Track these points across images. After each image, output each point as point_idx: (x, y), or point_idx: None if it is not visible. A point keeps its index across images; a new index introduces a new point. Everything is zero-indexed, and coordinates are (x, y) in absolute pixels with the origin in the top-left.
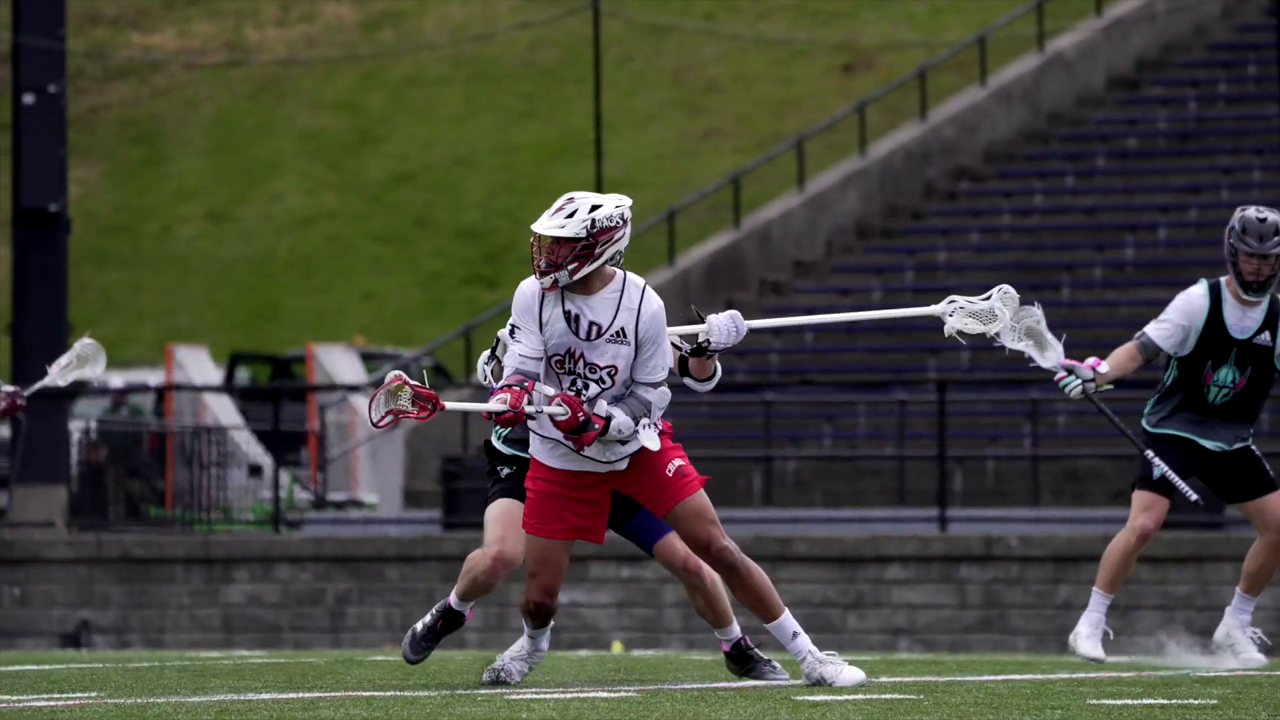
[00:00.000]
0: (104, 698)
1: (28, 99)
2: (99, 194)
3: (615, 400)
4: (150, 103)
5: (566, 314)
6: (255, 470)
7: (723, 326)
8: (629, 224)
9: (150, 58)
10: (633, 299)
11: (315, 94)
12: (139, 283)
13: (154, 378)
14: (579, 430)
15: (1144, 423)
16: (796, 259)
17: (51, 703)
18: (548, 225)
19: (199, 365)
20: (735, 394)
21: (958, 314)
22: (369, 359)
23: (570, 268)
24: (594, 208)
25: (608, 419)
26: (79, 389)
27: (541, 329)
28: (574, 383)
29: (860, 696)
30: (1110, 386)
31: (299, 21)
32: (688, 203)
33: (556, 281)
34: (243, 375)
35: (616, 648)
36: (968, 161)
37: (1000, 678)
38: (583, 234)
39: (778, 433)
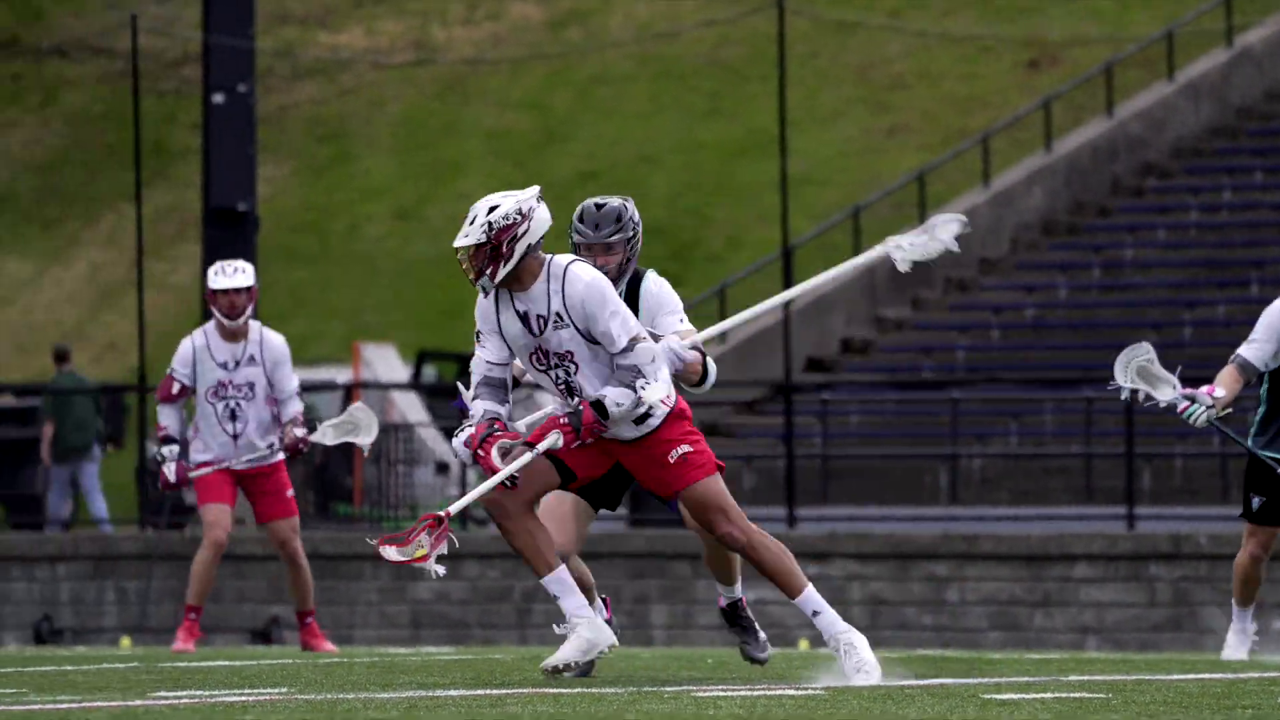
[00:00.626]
0: (294, 693)
1: (217, 99)
2: (287, 192)
3: (610, 385)
4: (338, 102)
5: (520, 315)
6: (442, 468)
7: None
8: (531, 215)
9: (338, 57)
10: (557, 281)
11: (501, 93)
12: (327, 280)
13: (341, 375)
14: (581, 433)
15: (1250, 443)
16: (982, 256)
17: (243, 698)
18: (458, 239)
19: (386, 363)
20: (921, 392)
21: (901, 256)
22: None
23: (488, 272)
24: (491, 209)
25: (597, 403)
26: None
27: (504, 335)
28: (559, 378)
29: (1049, 695)
30: (1230, 410)
31: (486, 20)
32: (873, 200)
33: (484, 289)
34: (429, 373)
35: (803, 645)
36: (1155, 158)
37: (1190, 676)
38: (484, 238)
39: (964, 430)
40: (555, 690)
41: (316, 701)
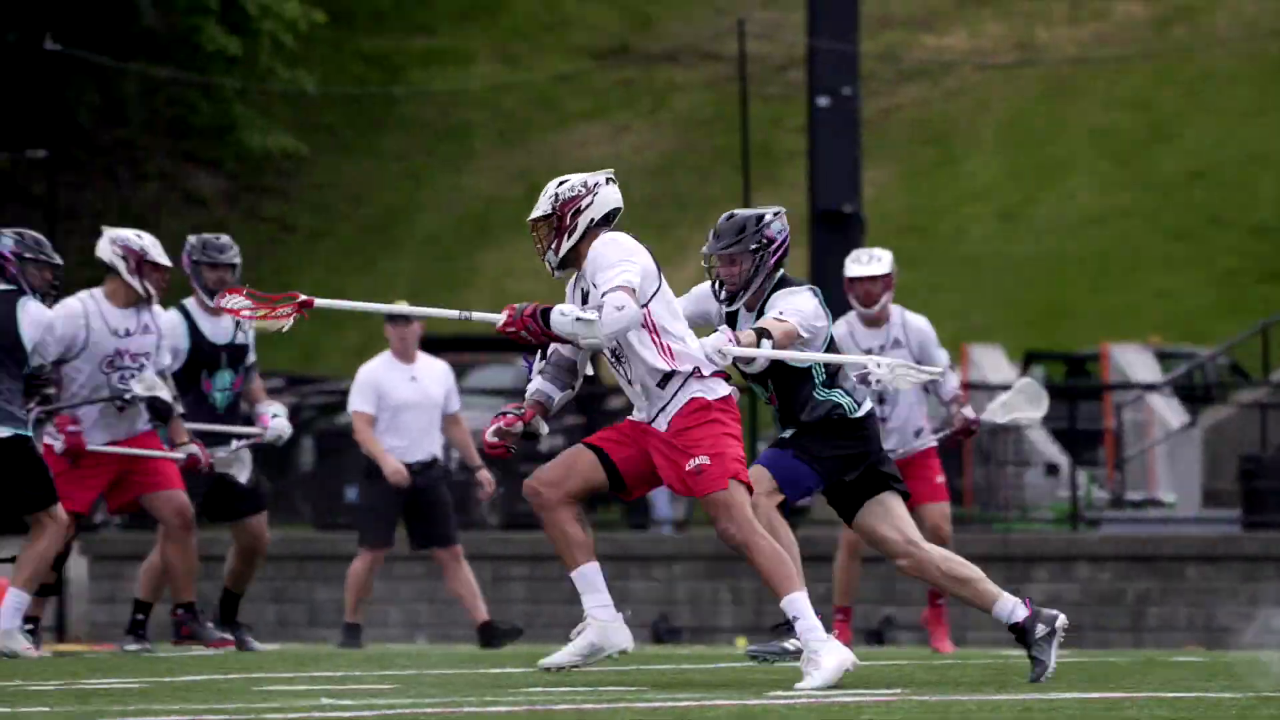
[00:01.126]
0: (908, 694)
1: (822, 101)
2: (892, 195)
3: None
4: (942, 104)
5: (583, 294)
6: (1052, 469)
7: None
8: (597, 191)
9: (941, 59)
10: (593, 252)
11: (1106, 92)
12: (933, 282)
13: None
14: (514, 321)
15: None
16: None
17: (857, 698)
18: (531, 214)
19: (994, 364)
20: None
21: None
22: (1165, 358)
23: (554, 247)
24: (560, 183)
25: (546, 309)
26: None
27: None
28: (611, 348)
29: None
30: None
31: (1091, 20)
32: None
33: (550, 265)
34: (1037, 373)
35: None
36: None
37: None
38: (549, 209)
39: None
40: (1172, 695)
41: (931, 703)
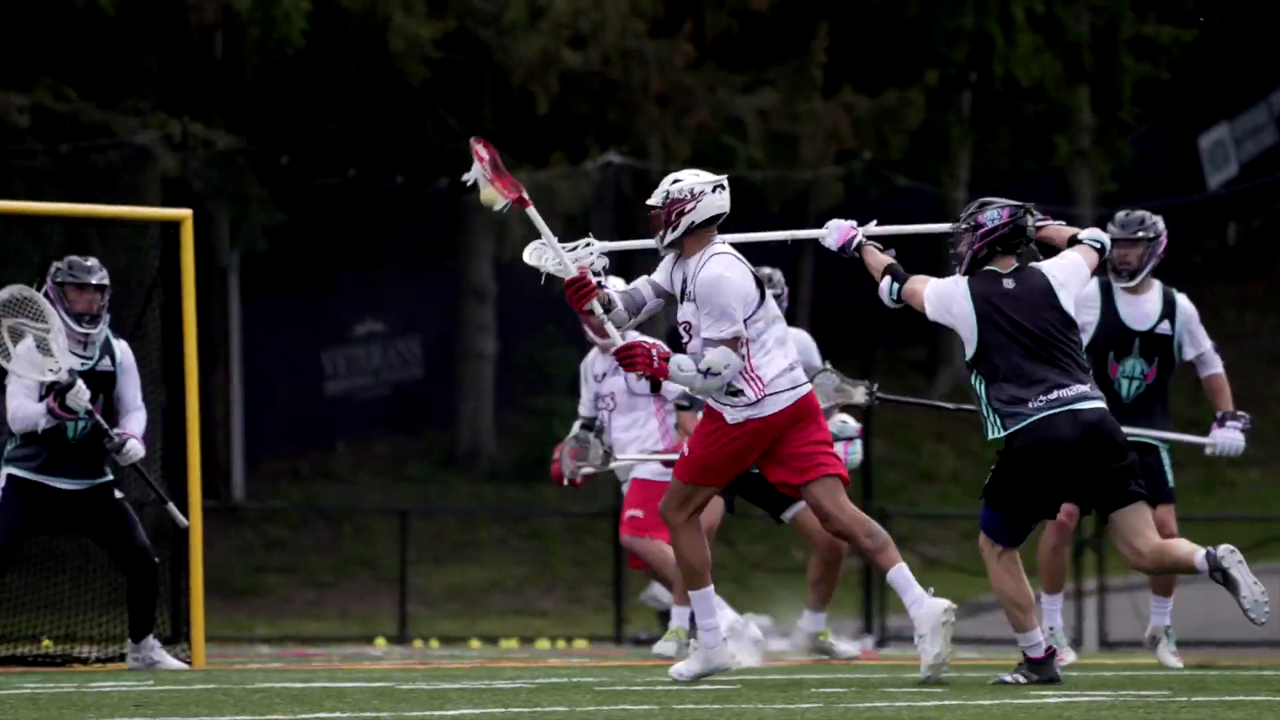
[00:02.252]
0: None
1: None
2: None
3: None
4: None
5: (680, 279)
6: None
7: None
8: (701, 198)
9: None
10: (700, 262)
11: None
12: None
13: None
14: (639, 358)
15: None
16: None
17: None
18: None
19: None
20: None
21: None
22: None
23: (660, 235)
24: (674, 181)
25: (669, 356)
26: None
27: (670, 285)
28: (682, 339)
29: None
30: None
31: None
32: None
33: (660, 248)
34: None
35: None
36: None
37: None
38: (659, 203)
39: None
40: None
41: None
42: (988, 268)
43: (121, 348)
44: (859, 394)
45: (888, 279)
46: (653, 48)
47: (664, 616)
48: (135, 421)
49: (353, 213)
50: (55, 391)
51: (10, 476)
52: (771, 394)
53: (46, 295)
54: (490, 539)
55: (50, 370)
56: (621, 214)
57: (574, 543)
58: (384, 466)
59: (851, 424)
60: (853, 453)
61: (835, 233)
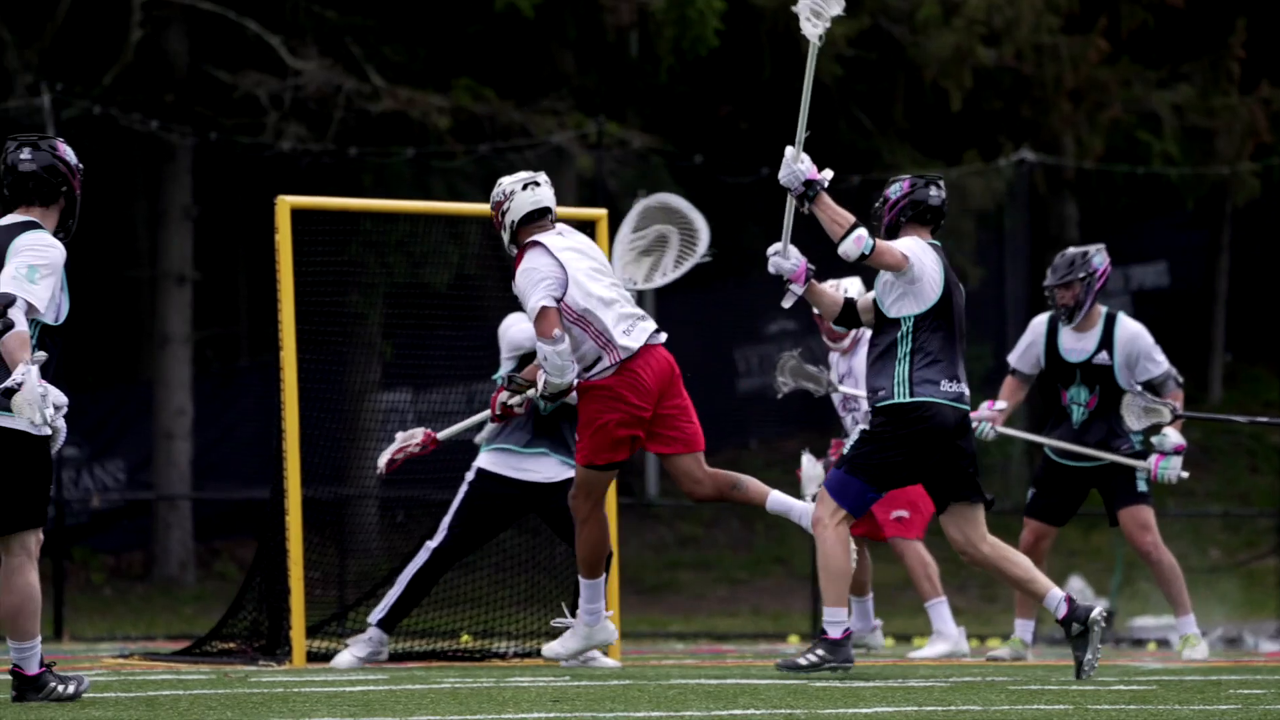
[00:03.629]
0: None
1: None
2: None
3: None
4: None
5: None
6: None
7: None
8: (513, 197)
9: None
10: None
11: None
12: None
13: None
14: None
15: None
16: None
17: None
18: None
19: None
20: None
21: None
22: None
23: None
24: (497, 186)
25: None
26: None
27: None
28: None
29: None
30: None
31: None
32: None
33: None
34: None
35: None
36: None
37: None
38: (491, 205)
39: None
40: None
41: None
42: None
43: None
44: (1167, 413)
45: (860, 230)
46: (1066, 43)
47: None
48: None
49: (766, 211)
50: None
51: (481, 470)
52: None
53: None
54: None
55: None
56: (1035, 211)
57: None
58: (797, 464)
59: (1172, 437)
60: (1165, 467)
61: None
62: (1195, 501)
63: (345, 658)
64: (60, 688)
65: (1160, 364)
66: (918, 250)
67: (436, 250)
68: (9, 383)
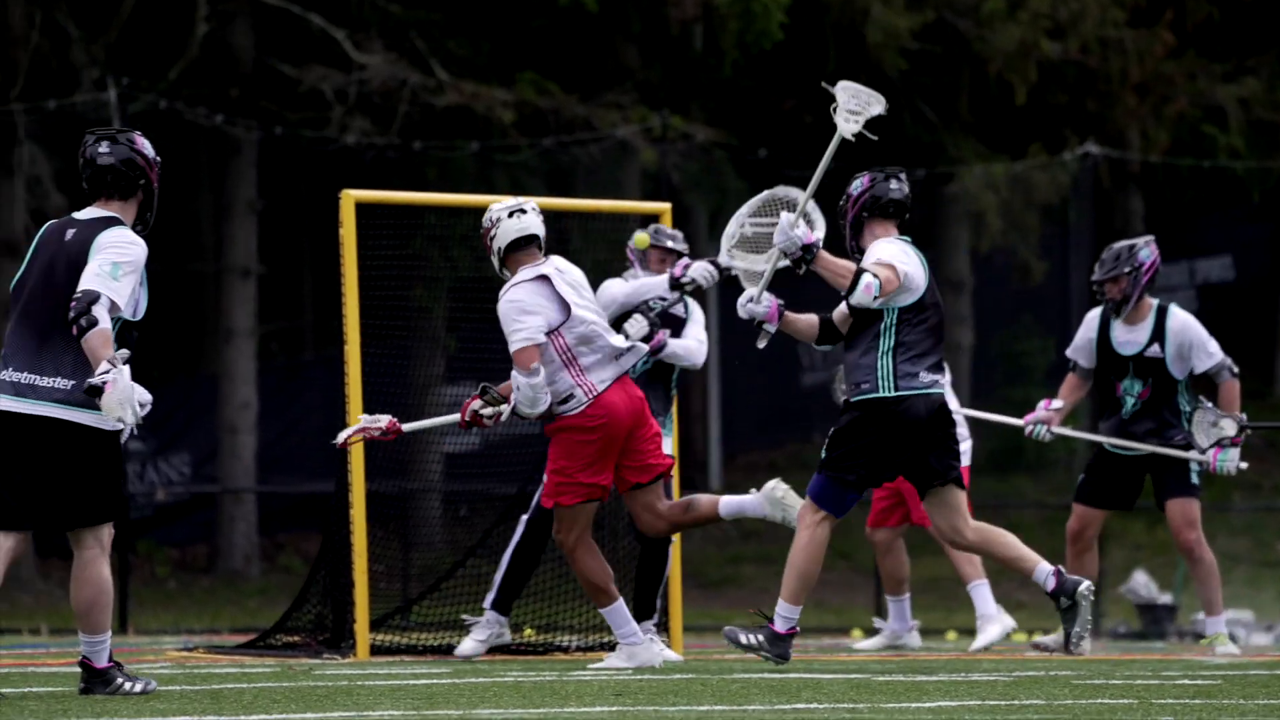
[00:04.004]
0: None
1: None
2: None
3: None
4: None
5: None
6: None
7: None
8: (499, 224)
9: None
10: (505, 289)
11: None
12: None
13: None
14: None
15: None
16: None
17: None
18: None
19: None
20: None
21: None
22: None
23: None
24: (486, 213)
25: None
26: None
27: None
28: None
29: None
30: None
31: None
32: None
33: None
34: None
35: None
36: None
37: None
38: (481, 231)
39: None
40: None
41: None
42: (899, 237)
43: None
44: (1235, 427)
45: (866, 278)
46: (1132, 36)
47: (1142, 610)
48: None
49: (829, 205)
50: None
51: None
52: (603, 392)
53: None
54: None
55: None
56: (1100, 205)
57: (1050, 534)
58: None
59: (1230, 428)
60: (1224, 459)
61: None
62: (1262, 495)
63: (467, 645)
64: (128, 685)
65: (1214, 355)
66: (899, 255)
67: None
68: (94, 380)
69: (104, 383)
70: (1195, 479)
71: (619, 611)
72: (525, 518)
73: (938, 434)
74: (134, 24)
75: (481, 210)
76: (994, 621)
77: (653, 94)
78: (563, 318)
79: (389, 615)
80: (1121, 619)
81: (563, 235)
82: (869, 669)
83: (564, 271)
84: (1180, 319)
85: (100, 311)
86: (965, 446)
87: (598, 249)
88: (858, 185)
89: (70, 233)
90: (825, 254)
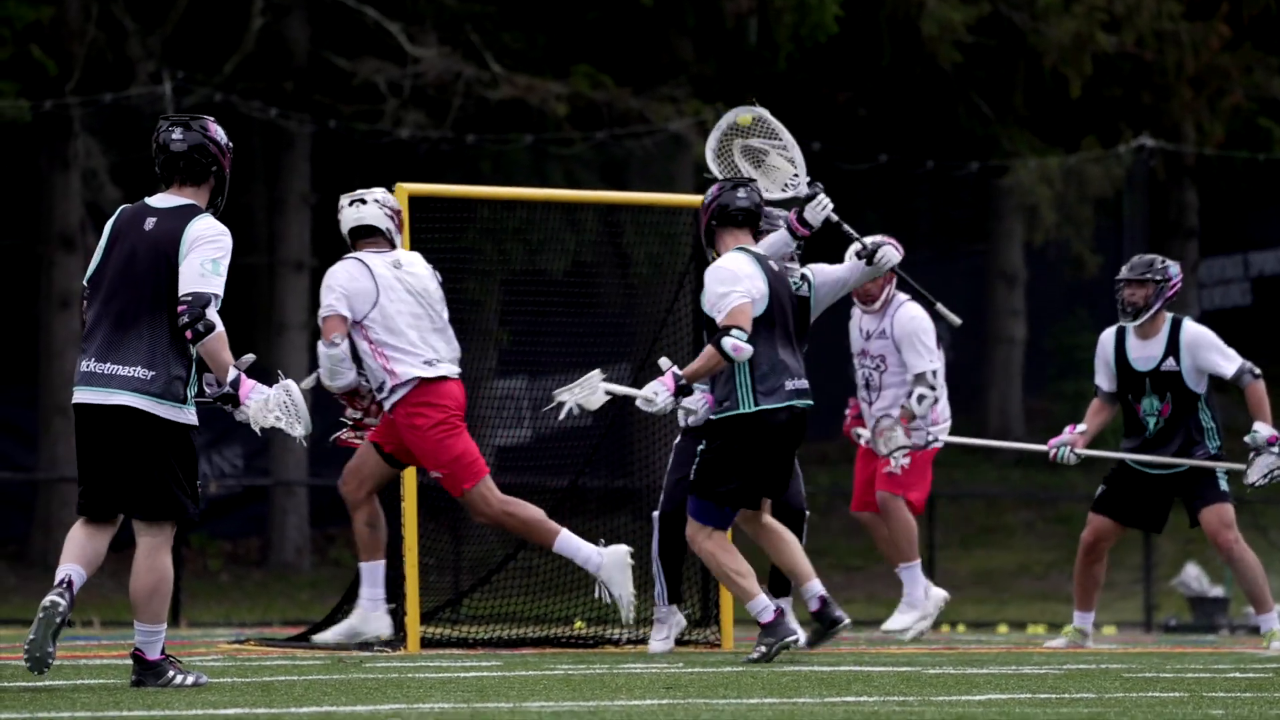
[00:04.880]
0: None
1: None
2: None
3: None
4: None
5: None
6: None
7: None
8: (340, 210)
9: None
10: None
11: None
12: None
13: None
14: None
15: None
16: None
17: None
18: None
19: None
20: None
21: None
22: None
23: None
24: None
25: None
26: None
27: None
28: None
29: None
30: None
31: None
32: None
33: None
34: None
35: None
36: None
37: None
38: None
39: None
40: None
41: None
42: (748, 248)
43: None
44: None
45: (727, 340)
46: (1188, 29)
47: (1194, 602)
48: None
49: (883, 197)
50: (798, 204)
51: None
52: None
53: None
54: (1018, 524)
55: (789, 184)
56: (1154, 197)
57: None
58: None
59: (1264, 431)
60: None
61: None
62: None
63: (657, 645)
64: (179, 678)
65: (1232, 359)
66: (737, 272)
67: (553, 237)
68: (227, 388)
69: (236, 388)
70: (1224, 484)
71: (376, 570)
72: (657, 514)
73: (790, 449)
74: (189, 17)
75: (535, 204)
76: (916, 606)
77: (706, 87)
78: (367, 308)
79: (439, 608)
80: (1173, 612)
81: (616, 228)
82: (919, 661)
83: (401, 265)
84: (1193, 330)
85: (214, 313)
86: (945, 427)
87: (650, 242)
88: (708, 195)
89: (151, 221)
90: (687, 369)
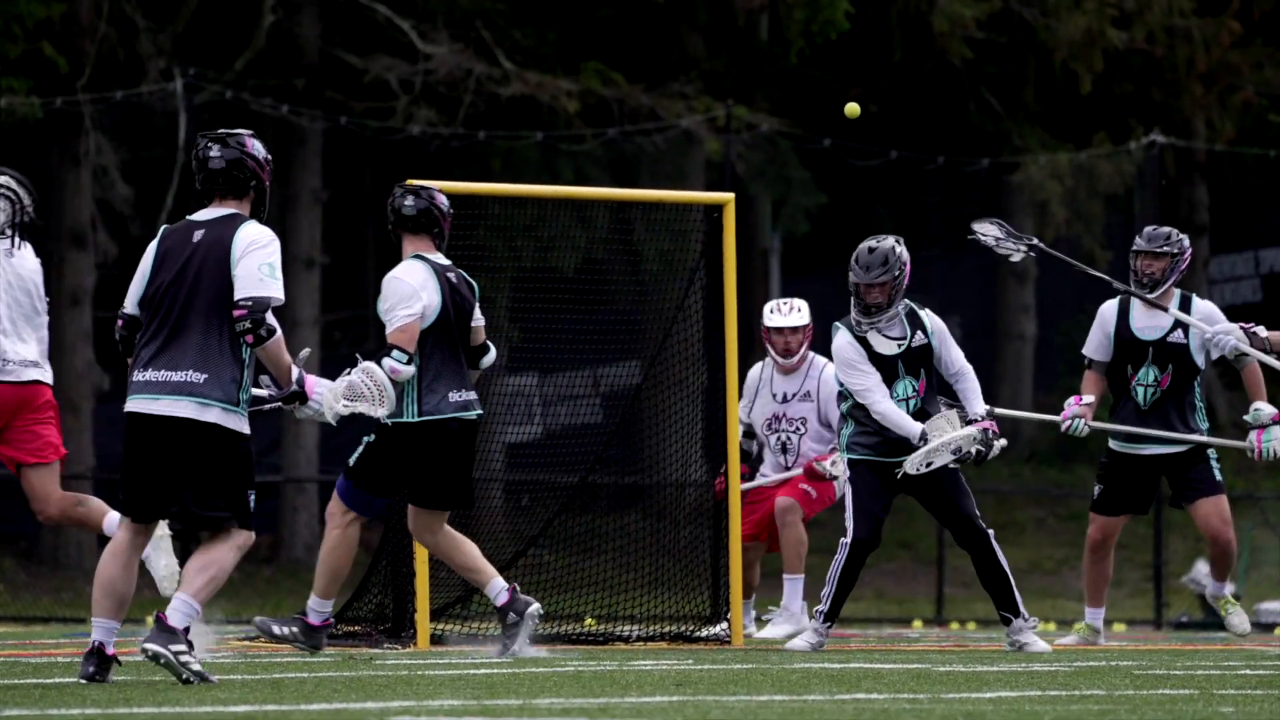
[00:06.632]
0: None
1: None
2: None
3: None
4: None
5: None
6: None
7: None
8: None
9: None
10: None
11: None
12: None
13: None
14: None
15: None
16: None
17: None
18: None
19: None
20: None
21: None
22: None
23: None
24: None
25: None
26: None
27: None
28: None
29: None
30: None
31: None
32: None
33: None
34: None
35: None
36: None
37: None
38: None
39: None
40: None
41: None
42: (425, 255)
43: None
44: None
45: (388, 362)
46: (1199, 25)
47: (1204, 600)
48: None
49: (894, 194)
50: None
51: (850, 462)
52: None
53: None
54: (1029, 520)
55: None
56: (1165, 194)
57: None
58: None
59: (1266, 409)
60: (1269, 439)
61: None
62: None
63: (800, 642)
64: (188, 658)
65: (1228, 328)
66: (413, 284)
67: (564, 234)
68: (294, 387)
69: (302, 385)
70: (1219, 474)
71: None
72: (847, 540)
73: (462, 456)
74: (200, 15)
75: (545, 201)
76: (792, 620)
77: (717, 84)
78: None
79: (450, 605)
80: (1184, 609)
81: (626, 225)
82: (929, 659)
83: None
84: (1203, 308)
85: (272, 318)
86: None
87: (661, 238)
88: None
89: (199, 234)
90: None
